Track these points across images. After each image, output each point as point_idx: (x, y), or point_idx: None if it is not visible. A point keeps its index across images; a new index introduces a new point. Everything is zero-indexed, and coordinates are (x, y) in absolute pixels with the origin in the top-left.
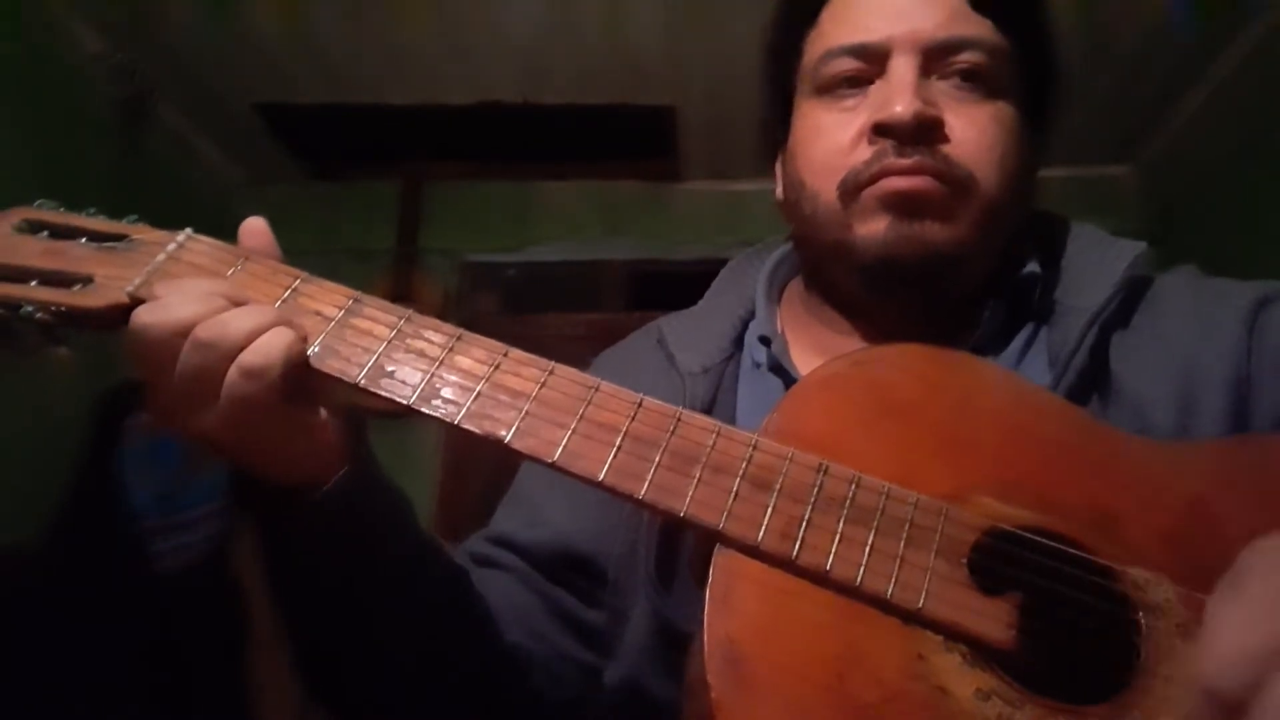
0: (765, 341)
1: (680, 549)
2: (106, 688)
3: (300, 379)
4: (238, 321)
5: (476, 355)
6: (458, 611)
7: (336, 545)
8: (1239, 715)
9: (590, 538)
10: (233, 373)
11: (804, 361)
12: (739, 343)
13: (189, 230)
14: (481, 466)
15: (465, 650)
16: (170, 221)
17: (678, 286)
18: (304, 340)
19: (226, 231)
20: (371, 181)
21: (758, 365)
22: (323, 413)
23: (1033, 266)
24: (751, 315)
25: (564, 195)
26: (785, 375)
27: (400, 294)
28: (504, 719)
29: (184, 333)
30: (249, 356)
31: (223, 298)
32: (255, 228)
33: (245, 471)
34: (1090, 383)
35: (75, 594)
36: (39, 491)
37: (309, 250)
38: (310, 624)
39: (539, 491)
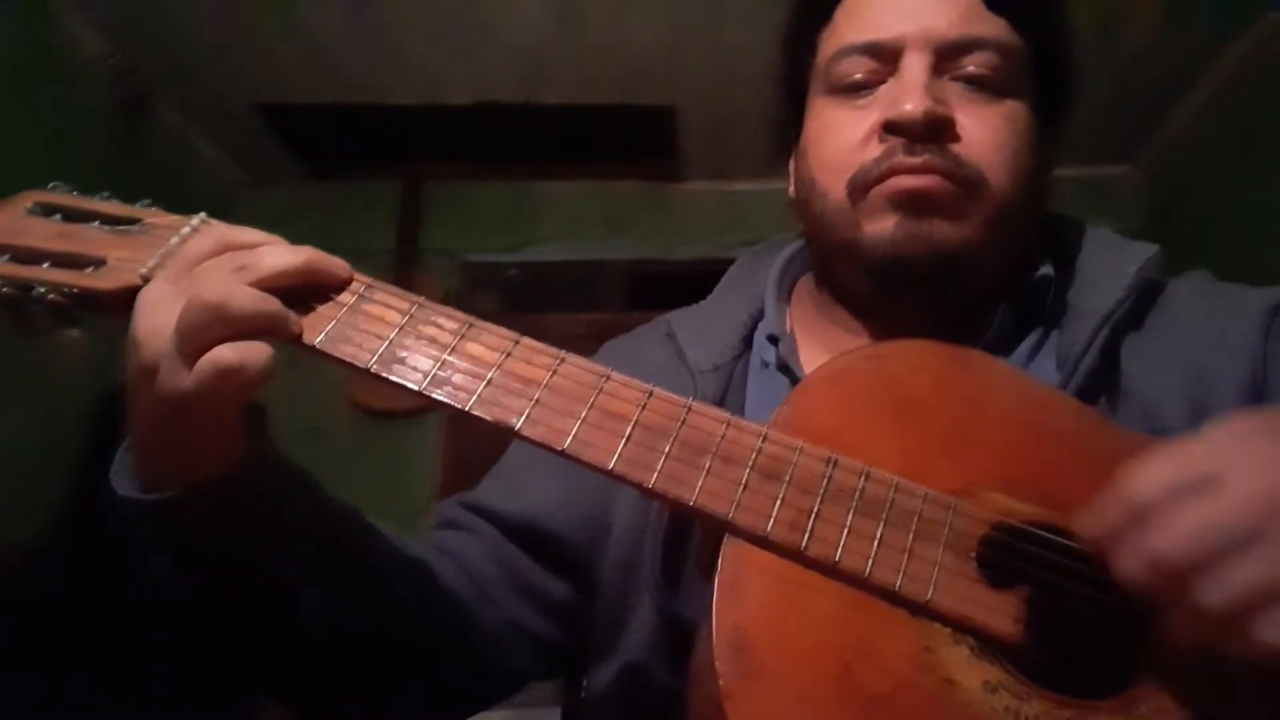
0: (774, 341)
1: (686, 549)
2: (107, 687)
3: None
4: (241, 300)
5: (488, 342)
6: (374, 584)
7: (244, 522)
8: (1144, 525)
9: (566, 520)
10: (205, 361)
11: (812, 361)
12: (748, 341)
13: (203, 214)
14: (482, 467)
15: (386, 626)
16: None
17: (678, 286)
18: (270, 367)
19: None
20: (371, 181)
21: (766, 364)
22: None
23: (1045, 269)
24: (761, 314)
25: (564, 195)
26: (793, 375)
27: None
28: (444, 688)
29: (234, 247)
30: (224, 352)
31: (307, 264)
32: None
33: (153, 460)
34: (1099, 384)
35: (75, 594)
36: (39, 491)
37: None
38: (230, 612)
39: (525, 469)
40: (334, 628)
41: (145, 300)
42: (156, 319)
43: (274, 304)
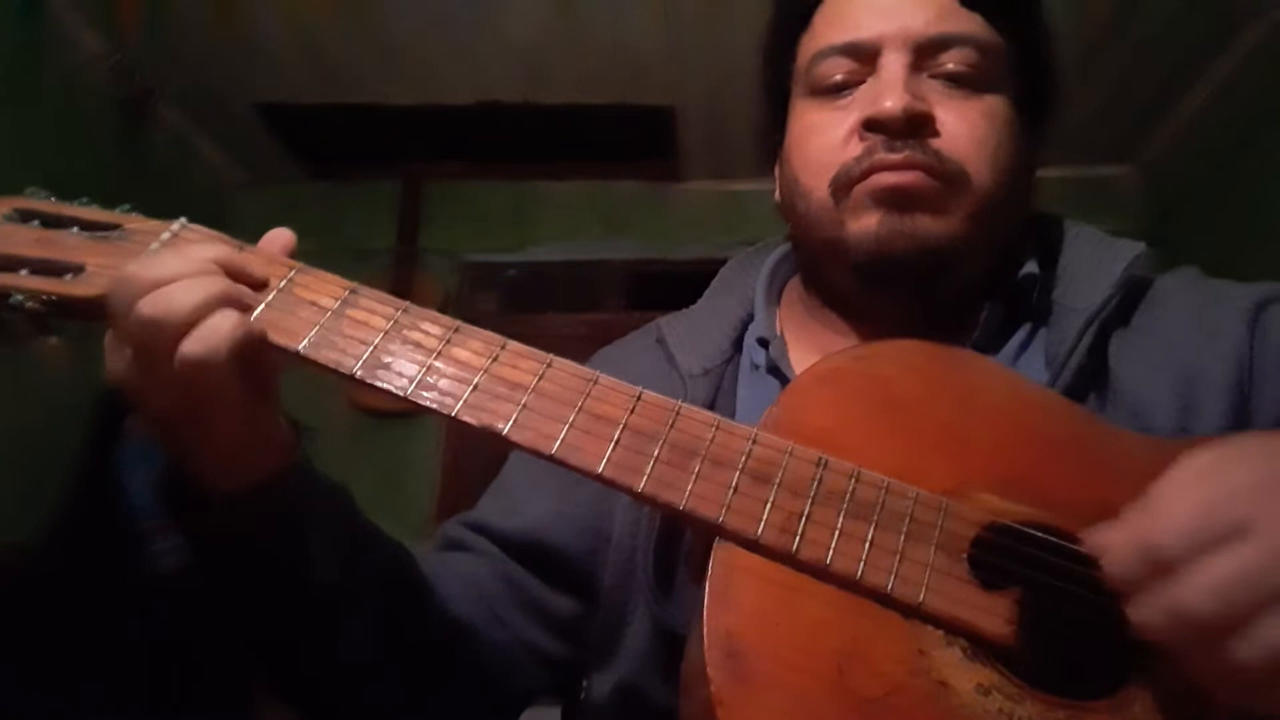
0: (764, 343)
1: (678, 554)
2: (107, 687)
3: (255, 365)
4: (182, 296)
5: (474, 347)
6: (403, 601)
7: (273, 541)
8: (1168, 576)
9: (567, 534)
10: (177, 361)
11: (803, 363)
12: (739, 344)
13: (183, 220)
14: (481, 467)
15: (412, 642)
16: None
17: (678, 286)
18: (249, 318)
19: (226, 231)
20: (371, 181)
21: (756, 367)
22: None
23: (1031, 267)
24: (751, 316)
25: (564, 195)
26: (783, 378)
27: (400, 294)
28: (457, 708)
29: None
30: (190, 345)
31: (217, 264)
32: (278, 236)
33: (181, 467)
34: (1088, 383)
35: (75, 594)
36: (39, 491)
37: (309, 250)
38: (253, 618)
39: (522, 485)
40: (361, 642)
41: (105, 347)
42: (114, 364)
43: (216, 283)
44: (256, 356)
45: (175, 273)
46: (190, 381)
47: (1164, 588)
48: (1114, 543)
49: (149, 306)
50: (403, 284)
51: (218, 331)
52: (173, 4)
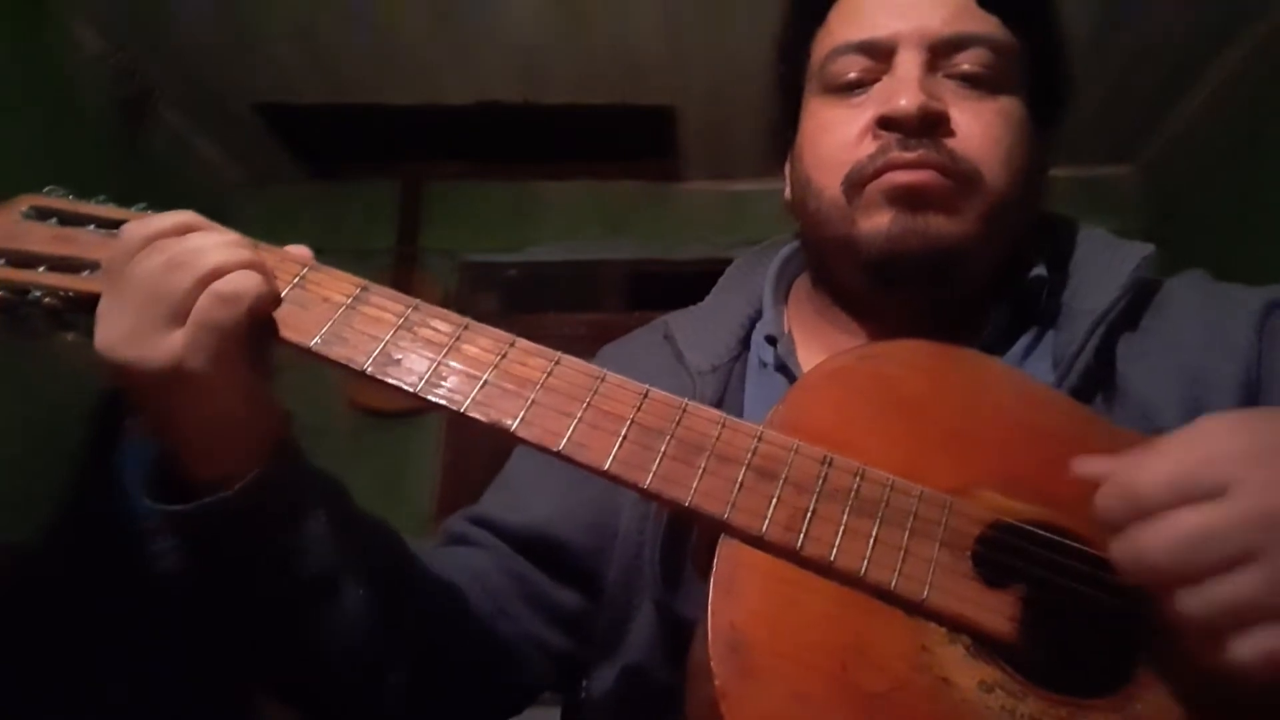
0: (772, 341)
1: (686, 548)
2: (108, 687)
3: (263, 337)
4: (214, 252)
5: (483, 344)
6: (401, 590)
7: (265, 527)
8: (1143, 521)
9: (572, 529)
10: (205, 297)
11: (811, 361)
12: (746, 342)
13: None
14: (482, 467)
15: (412, 635)
16: None
17: (678, 286)
18: (275, 290)
19: None
20: (371, 181)
21: (764, 365)
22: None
23: (1040, 270)
24: (759, 314)
25: (564, 195)
26: (791, 375)
27: None
28: (462, 703)
29: (164, 235)
30: (223, 285)
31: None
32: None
33: (173, 458)
34: (1095, 384)
35: (76, 594)
36: (38, 492)
37: None
38: (249, 613)
39: (527, 480)
40: (360, 636)
41: (99, 313)
42: (110, 327)
43: (246, 251)
44: (266, 325)
45: (208, 235)
46: (202, 330)
47: (1136, 530)
48: (1110, 478)
49: (183, 252)
50: (403, 284)
51: (245, 282)
52: (173, 4)
